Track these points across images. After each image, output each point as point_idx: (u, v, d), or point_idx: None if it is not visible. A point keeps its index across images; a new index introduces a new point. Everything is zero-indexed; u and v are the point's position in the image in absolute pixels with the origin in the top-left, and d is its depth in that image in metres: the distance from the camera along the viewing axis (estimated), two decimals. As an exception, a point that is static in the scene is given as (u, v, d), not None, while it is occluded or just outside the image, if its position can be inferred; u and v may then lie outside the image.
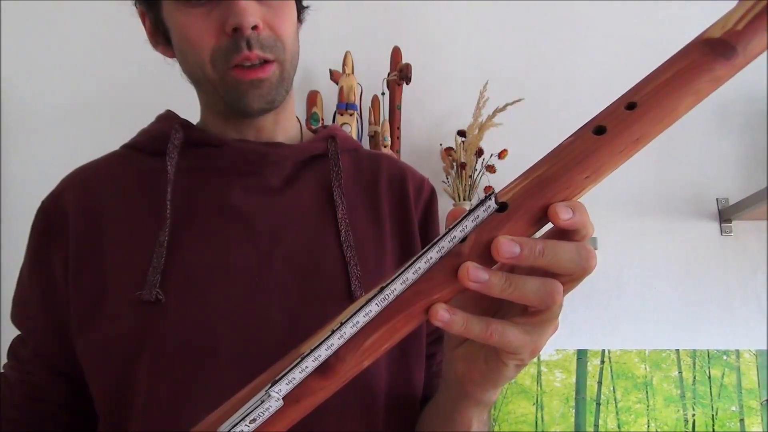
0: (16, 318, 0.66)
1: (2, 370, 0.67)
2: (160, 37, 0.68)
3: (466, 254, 0.32)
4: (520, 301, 0.34)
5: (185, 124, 0.69)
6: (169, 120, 0.70)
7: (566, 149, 0.33)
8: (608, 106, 0.33)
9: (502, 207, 0.32)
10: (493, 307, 0.39)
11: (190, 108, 0.73)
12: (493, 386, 0.42)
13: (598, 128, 0.32)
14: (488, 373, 0.40)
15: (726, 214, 1.56)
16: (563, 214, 0.32)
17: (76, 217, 0.64)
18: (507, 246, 0.31)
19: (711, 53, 0.32)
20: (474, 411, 0.48)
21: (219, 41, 0.61)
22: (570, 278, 0.35)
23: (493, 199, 0.33)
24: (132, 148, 0.70)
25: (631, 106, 0.32)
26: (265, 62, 0.62)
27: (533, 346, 0.37)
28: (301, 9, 0.70)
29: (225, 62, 0.61)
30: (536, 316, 0.36)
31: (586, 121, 0.33)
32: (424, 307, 0.33)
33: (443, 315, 0.33)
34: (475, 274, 0.32)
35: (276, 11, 0.63)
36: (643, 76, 0.33)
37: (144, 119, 0.73)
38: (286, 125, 0.72)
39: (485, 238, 0.32)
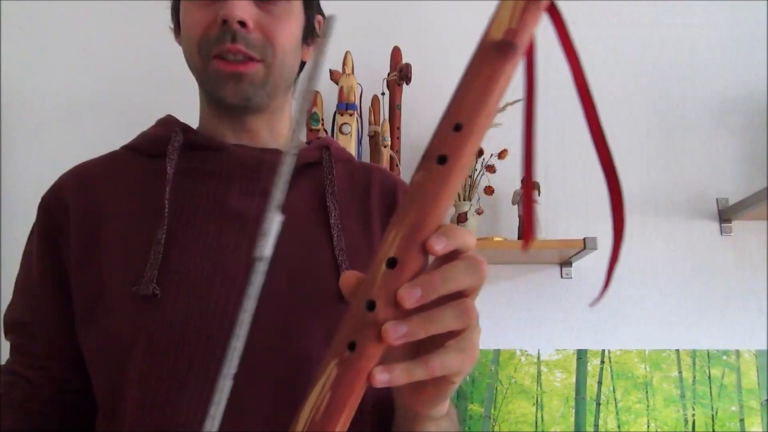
0: (23, 312, 0.66)
1: (14, 369, 0.65)
2: (178, 28, 0.72)
3: (381, 319, 0.34)
4: (444, 330, 0.36)
5: (185, 128, 0.70)
6: (169, 124, 0.71)
7: (423, 188, 0.35)
8: (437, 131, 0.36)
9: (392, 264, 0.35)
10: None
11: (188, 108, 0.73)
12: (443, 401, 0.44)
13: (440, 158, 0.35)
14: (437, 393, 0.42)
15: (726, 214, 1.56)
16: (438, 245, 0.34)
17: (76, 213, 0.65)
18: (409, 294, 0.34)
19: (501, 56, 0.35)
20: (430, 425, 0.50)
21: (209, 31, 0.65)
22: (472, 290, 0.37)
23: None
24: (131, 149, 0.71)
25: (458, 128, 0.35)
26: (250, 59, 0.64)
27: (470, 358, 0.39)
28: (309, 30, 0.72)
29: (208, 51, 0.65)
30: (461, 333, 0.38)
31: (424, 153, 0.36)
32: (366, 379, 0.35)
33: (383, 377, 0.35)
34: (395, 331, 0.34)
35: (274, 17, 0.66)
36: (455, 90, 0.36)
37: (143, 119, 0.74)
38: (281, 132, 0.73)
39: (392, 296, 0.34)
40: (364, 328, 0.35)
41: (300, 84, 0.42)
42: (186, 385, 0.56)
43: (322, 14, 0.75)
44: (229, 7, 0.62)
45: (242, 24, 0.63)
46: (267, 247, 0.40)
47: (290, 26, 0.67)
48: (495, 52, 0.35)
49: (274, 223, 0.40)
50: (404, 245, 0.35)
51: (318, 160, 0.71)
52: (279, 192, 0.39)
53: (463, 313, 0.36)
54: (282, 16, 0.66)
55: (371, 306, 0.35)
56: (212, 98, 0.69)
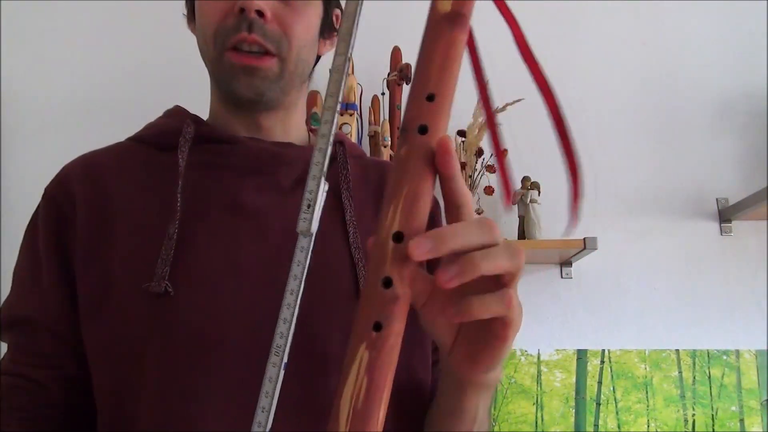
0: (28, 308, 0.62)
1: (18, 371, 0.61)
2: (193, 15, 0.70)
3: (401, 293, 0.35)
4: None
5: (196, 119, 0.69)
6: (179, 115, 0.70)
7: (411, 160, 0.36)
8: (410, 105, 0.37)
9: (398, 238, 0.35)
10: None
11: (189, 108, 0.73)
12: (494, 365, 0.42)
13: (420, 128, 0.36)
14: (489, 351, 0.41)
15: (726, 214, 1.56)
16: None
17: (84, 205, 0.63)
18: (418, 244, 0.34)
19: (455, 27, 0.37)
20: (480, 396, 0.49)
21: (225, 20, 0.63)
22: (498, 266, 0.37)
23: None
24: (139, 141, 0.69)
25: (431, 98, 0.36)
26: (265, 54, 0.63)
27: (516, 308, 0.38)
28: (328, 25, 0.70)
29: (224, 41, 0.63)
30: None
31: (402, 127, 0.37)
32: (398, 357, 0.35)
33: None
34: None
35: (293, 10, 0.64)
36: (417, 64, 0.38)
37: (144, 118, 0.73)
38: (294, 127, 0.72)
39: (404, 268, 0.35)
40: (386, 305, 0.35)
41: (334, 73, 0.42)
42: (201, 382, 0.55)
43: (341, 8, 0.73)
44: None
45: (260, 14, 0.61)
46: (314, 220, 0.40)
47: (308, 20, 0.66)
48: (448, 24, 0.37)
49: (320, 193, 0.40)
50: (406, 217, 0.35)
51: (332, 155, 0.69)
52: (321, 158, 0.39)
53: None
54: (301, 9, 0.64)
55: (387, 283, 0.35)
56: (224, 92, 0.67)
